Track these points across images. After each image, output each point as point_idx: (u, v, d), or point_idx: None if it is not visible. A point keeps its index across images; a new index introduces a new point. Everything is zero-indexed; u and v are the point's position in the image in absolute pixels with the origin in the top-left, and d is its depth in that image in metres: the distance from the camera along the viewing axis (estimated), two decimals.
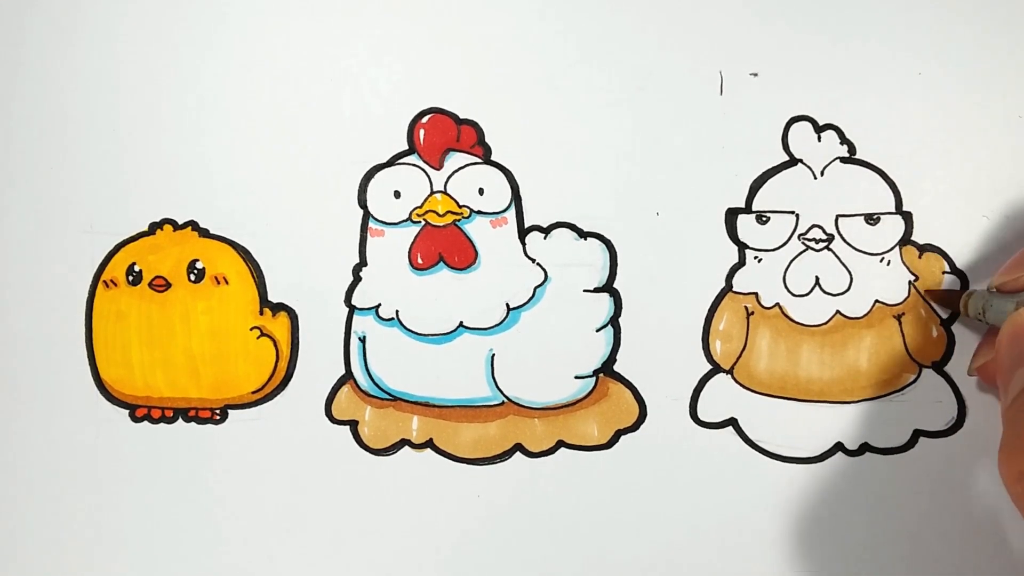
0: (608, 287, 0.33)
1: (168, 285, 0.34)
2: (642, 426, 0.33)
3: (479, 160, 0.33)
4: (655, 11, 0.33)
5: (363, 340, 0.34)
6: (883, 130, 0.32)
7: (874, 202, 0.32)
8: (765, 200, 0.33)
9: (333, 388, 0.34)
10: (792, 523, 0.33)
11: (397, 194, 0.33)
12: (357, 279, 0.34)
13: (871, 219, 0.32)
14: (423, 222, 0.33)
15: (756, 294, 0.33)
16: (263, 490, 0.34)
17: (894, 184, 0.32)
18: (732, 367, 0.33)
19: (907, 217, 0.32)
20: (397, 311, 0.33)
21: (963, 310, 0.31)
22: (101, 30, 0.34)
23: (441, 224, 0.33)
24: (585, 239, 0.33)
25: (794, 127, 0.32)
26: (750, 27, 0.33)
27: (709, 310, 0.33)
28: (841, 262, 0.32)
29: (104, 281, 0.34)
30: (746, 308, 0.33)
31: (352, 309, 0.34)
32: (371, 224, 0.33)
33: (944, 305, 0.32)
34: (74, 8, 0.34)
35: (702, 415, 0.33)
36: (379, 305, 0.33)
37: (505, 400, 0.33)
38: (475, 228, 0.33)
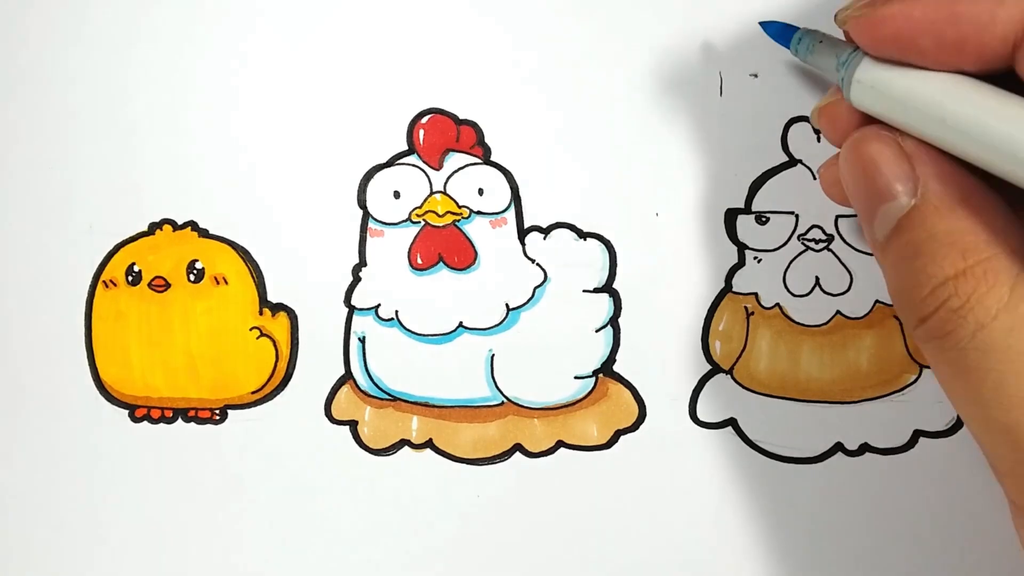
0: (608, 287, 0.33)
1: (168, 285, 0.34)
2: (642, 426, 0.33)
3: (479, 160, 0.33)
4: (655, 12, 0.33)
5: (363, 340, 0.34)
6: None
7: None
8: (765, 201, 0.33)
9: (333, 388, 0.34)
10: (792, 523, 0.33)
11: (397, 194, 0.33)
12: (357, 279, 0.34)
13: None
14: (423, 222, 0.33)
15: (756, 294, 0.33)
16: (263, 490, 0.34)
17: None
18: (732, 367, 0.33)
19: None
20: (397, 311, 0.33)
21: (792, 51, 0.28)
22: (101, 30, 0.34)
23: (441, 224, 0.33)
24: (585, 239, 0.33)
25: (794, 128, 0.32)
26: (750, 28, 0.32)
27: (709, 310, 0.33)
28: (841, 262, 0.32)
29: (104, 281, 0.34)
30: (746, 308, 0.33)
31: (352, 309, 0.34)
32: (371, 224, 0.33)
33: (775, 38, 0.29)
34: (74, 8, 0.34)
35: (702, 415, 0.33)
36: (379, 305, 0.33)
37: (505, 400, 0.33)
38: (475, 228, 0.33)
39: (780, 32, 0.29)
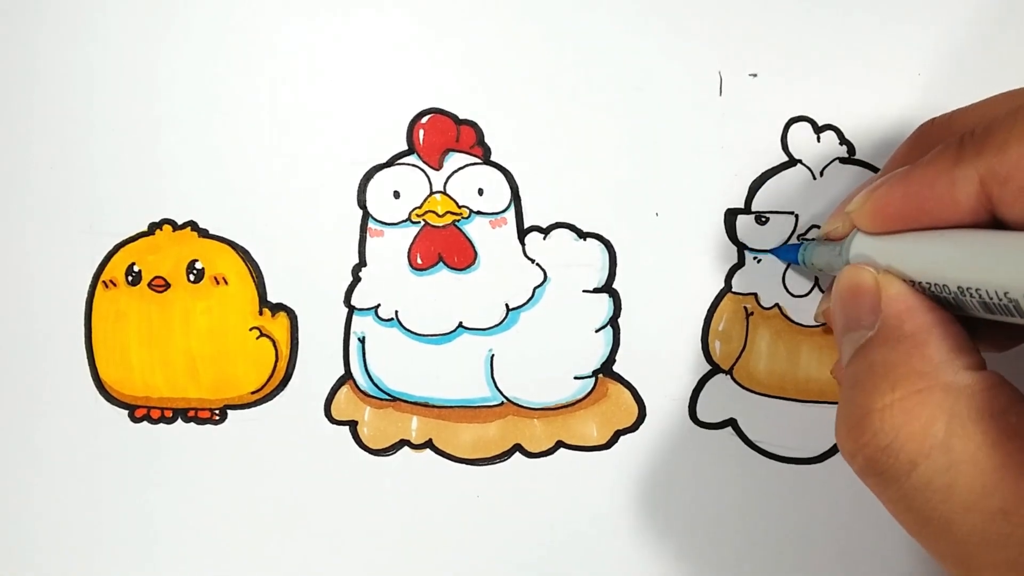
0: (607, 287, 0.33)
1: (167, 285, 0.34)
2: (641, 426, 0.33)
3: (479, 160, 0.33)
4: (654, 11, 0.33)
5: (362, 340, 0.34)
6: (883, 131, 0.32)
7: None
8: (764, 200, 0.33)
9: (332, 388, 0.34)
10: (792, 523, 0.33)
11: (396, 194, 0.33)
12: (356, 279, 0.34)
13: None
14: (422, 222, 0.33)
15: (755, 294, 0.33)
16: (262, 490, 0.34)
17: None
18: (731, 367, 0.33)
19: None
20: (396, 311, 0.33)
21: (801, 263, 0.31)
22: (101, 30, 0.34)
23: (440, 224, 0.33)
24: (584, 239, 0.33)
25: (793, 127, 0.32)
26: (749, 27, 0.32)
27: (708, 310, 0.33)
28: None
29: (103, 281, 0.34)
30: (745, 308, 0.33)
31: (351, 309, 0.34)
32: (370, 224, 0.33)
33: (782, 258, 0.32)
34: (74, 8, 0.34)
35: (701, 415, 0.33)
36: (378, 305, 0.33)
37: (504, 400, 0.33)
38: (474, 228, 0.33)
39: (787, 252, 0.32)
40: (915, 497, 0.22)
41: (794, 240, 0.32)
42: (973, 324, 0.24)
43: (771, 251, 0.32)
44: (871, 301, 0.25)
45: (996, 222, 0.23)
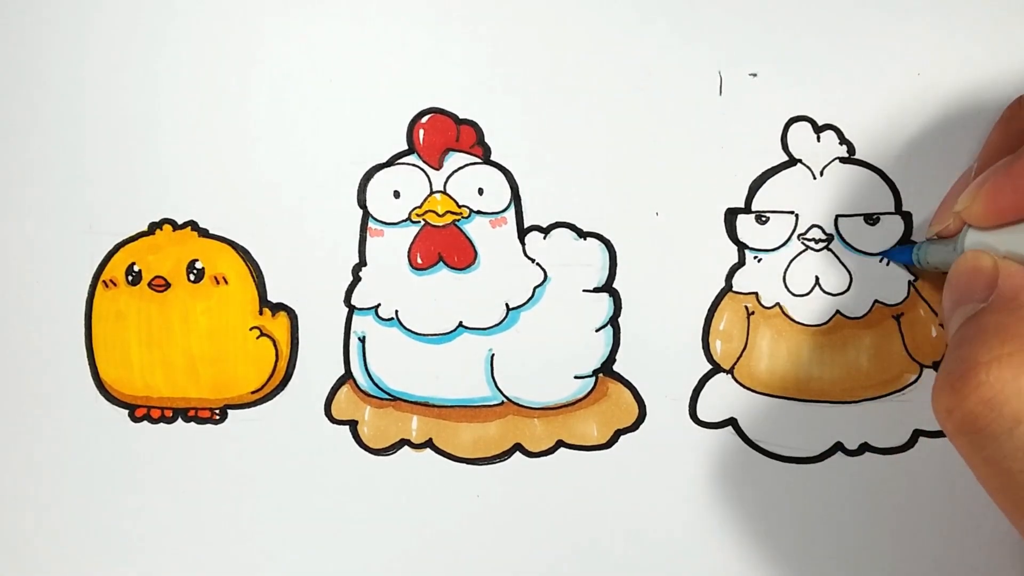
0: (608, 287, 0.33)
1: (167, 285, 0.34)
2: (642, 426, 0.33)
3: (479, 160, 0.33)
4: (654, 11, 0.33)
5: (363, 340, 0.34)
6: (883, 130, 0.32)
7: (874, 202, 0.32)
8: (765, 200, 0.33)
9: (333, 388, 0.34)
10: (792, 523, 0.33)
11: (396, 194, 0.33)
12: (357, 279, 0.34)
13: (871, 219, 0.32)
14: (422, 222, 0.33)
15: (756, 294, 0.33)
16: (263, 490, 0.34)
17: (894, 184, 0.32)
18: (732, 367, 0.33)
19: (907, 217, 0.32)
20: (396, 311, 0.33)
21: (916, 263, 0.31)
22: (101, 30, 0.34)
23: (440, 224, 0.33)
24: (584, 239, 0.33)
25: (793, 127, 0.32)
26: (749, 27, 0.33)
27: (709, 310, 0.33)
28: (841, 262, 0.32)
29: (104, 281, 0.34)
30: (746, 308, 0.33)
31: (352, 309, 0.34)
32: (370, 224, 0.33)
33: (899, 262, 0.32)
34: (74, 9, 0.34)
35: (702, 415, 0.33)
36: (379, 305, 0.33)
37: (504, 400, 0.33)
38: (474, 228, 0.33)
39: (900, 253, 0.32)
40: (1015, 456, 0.21)
41: (794, 244, 0.32)
42: None
43: (883, 253, 0.32)
44: (987, 279, 0.25)
45: None
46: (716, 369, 0.33)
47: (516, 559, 0.33)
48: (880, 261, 0.32)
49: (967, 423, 0.22)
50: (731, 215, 0.33)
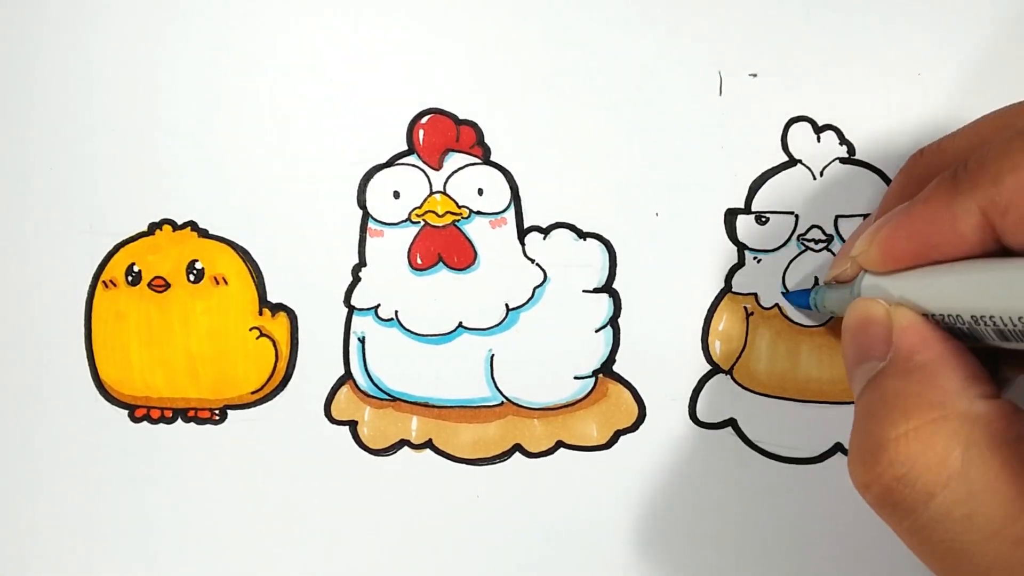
0: (607, 287, 0.33)
1: (167, 285, 0.34)
2: (641, 426, 0.33)
3: (478, 160, 0.33)
4: (654, 11, 0.33)
5: (362, 340, 0.34)
6: (883, 131, 0.32)
7: (874, 203, 0.32)
8: (764, 201, 0.33)
9: (332, 388, 0.34)
10: (791, 523, 0.33)
11: (396, 194, 0.33)
12: (356, 279, 0.34)
13: None
14: (422, 222, 0.33)
15: (755, 295, 0.33)
16: (262, 490, 0.34)
17: None
18: (731, 368, 0.33)
19: None
20: (396, 311, 0.33)
21: (813, 307, 0.31)
22: (101, 30, 0.34)
23: (440, 224, 0.33)
24: (584, 240, 0.33)
25: (793, 128, 0.32)
26: (749, 27, 0.32)
27: (708, 310, 0.33)
28: None
29: (103, 281, 0.34)
30: (745, 308, 0.33)
31: (351, 309, 0.34)
32: (370, 224, 0.33)
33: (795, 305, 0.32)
34: (74, 8, 0.34)
35: (701, 415, 0.33)
36: (378, 305, 0.33)
37: (504, 400, 0.33)
38: (474, 228, 0.33)
39: (798, 297, 0.32)
40: (933, 528, 0.22)
41: (794, 245, 0.32)
42: (992, 352, 0.24)
43: (784, 295, 0.32)
44: (882, 332, 0.25)
45: (1003, 250, 0.23)
46: (716, 370, 0.33)
47: (516, 559, 0.33)
48: (756, 261, 0.32)
49: (883, 498, 0.23)
50: (731, 215, 0.33)
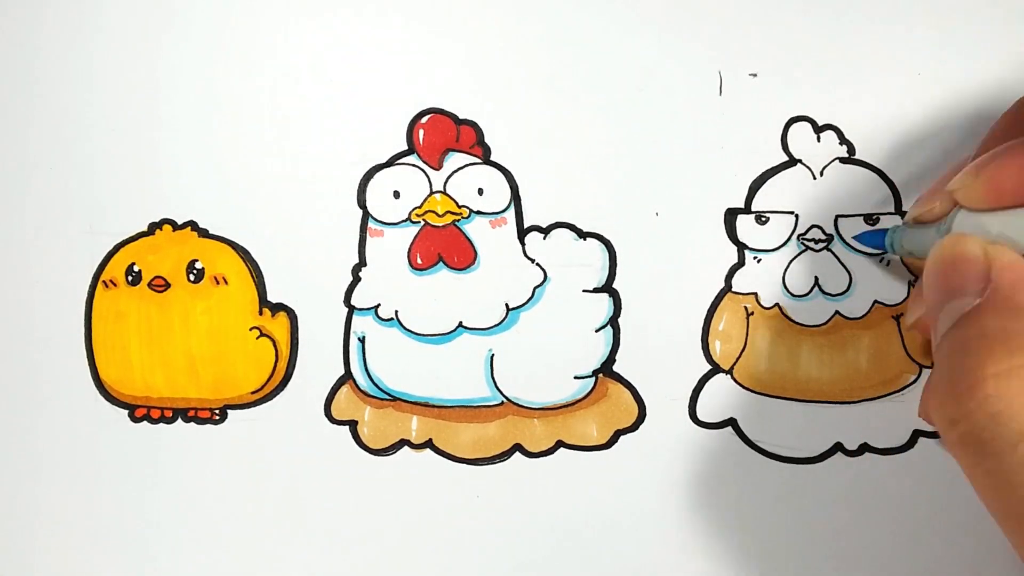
0: (607, 287, 0.33)
1: (167, 285, 0.34)
2: (641, 426, 0.33)
3: (478, 160, 0.33)
4: (654, 11, 0.33)
5: (362, 340, 0.34)
6: (883, 130, 0.32)
7: (873, 202, 0.32)
8: (764, 200, 0.33)
9: (332, 388, 0.34)
10: (791, 523, 0.33)
11: (396, 194, 0.33)
12: (356, 279, 0.34)
13: (870, 219, 0.32)
14: (422, 222, 0.33)
15: (755, 294, 0.33)
16: (262, 490, 0.34)
17: (893, 184, 0.32)
18: (731, 367, 0.33)
19: None
20: (396, 311, 0.33)
21: (889, 249, 0.30)
22: (100, 30, 0.34)
23: (440, 224, 0.33)
24: (584, 239, 0.33)
25: (793, 127, 0.32)
26: (749, 27, 0.33)
27: (708, 310, 0.33)
28: (840, 263, 0.32)
29: (103, 281, 0.34)
30: (745, 308, 0.33)
31: (351, 309, 0.34)
32: (370, 224, 0.33)
33: (868, 245, 0.31)
34: (74, 8, 0.34)
35: (701, 415, 0.33)
36: (378, 305, 0.33)
37: (504, 400, 0.33)
38: (474, 228, 0.33)
39: (872, 237, 0.31)
40: (1017, 471, 0.21)
41: (794, 238, 0.32)
42: None
43: (855, 237, 0.31)
44: (979, 269, 0.24)
45: None
46: (716, 369, 0.33)
47: (516, 559, 0.33)
48: (756, 261, 0.32)
49: (971, 436, 0.22)
50: (731, 215, 0.33)
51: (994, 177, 0.24)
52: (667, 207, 0.33)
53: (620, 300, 0.33)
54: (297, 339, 0.34)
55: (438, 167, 0.33)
